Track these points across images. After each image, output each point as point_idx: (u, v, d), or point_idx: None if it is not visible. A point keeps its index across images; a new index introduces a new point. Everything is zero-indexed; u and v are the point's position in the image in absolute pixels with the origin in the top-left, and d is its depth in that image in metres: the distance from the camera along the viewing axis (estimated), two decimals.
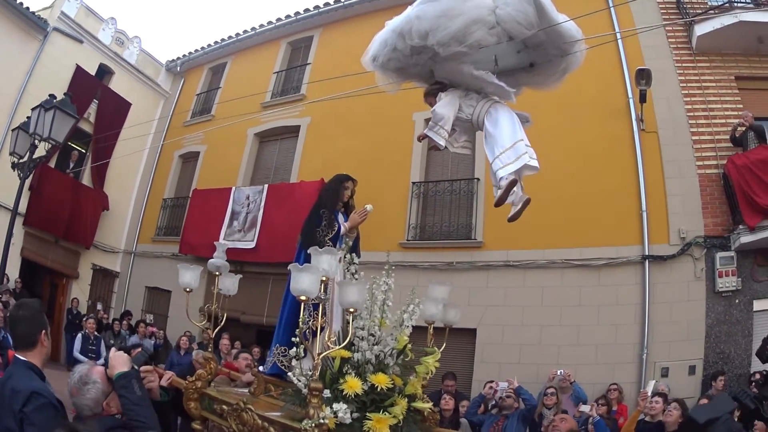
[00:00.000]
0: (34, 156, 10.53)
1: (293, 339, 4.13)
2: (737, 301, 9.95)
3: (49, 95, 10.76)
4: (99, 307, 15.88)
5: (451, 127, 5.40)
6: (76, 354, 12.10)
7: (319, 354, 3.67)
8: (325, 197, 5.57)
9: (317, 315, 3.83)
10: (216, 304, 5.17)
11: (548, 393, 8.58)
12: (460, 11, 5.00)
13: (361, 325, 4.28)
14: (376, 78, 5.95)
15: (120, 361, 3.40)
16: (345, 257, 4.76)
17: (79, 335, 12.63)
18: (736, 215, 10.19)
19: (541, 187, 11.26)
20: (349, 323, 3.97)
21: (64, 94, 11.31)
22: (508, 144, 5.00)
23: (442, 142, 5.34)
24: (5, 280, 12.11)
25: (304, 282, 3.52)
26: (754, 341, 9.55)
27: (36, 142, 10.38)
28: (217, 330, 5.15)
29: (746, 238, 9.86)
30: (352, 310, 3.76)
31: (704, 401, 8.02)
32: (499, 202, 5.09)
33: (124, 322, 14.86)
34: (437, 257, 12.25)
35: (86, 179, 17.50)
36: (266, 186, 15.28)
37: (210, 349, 5.24)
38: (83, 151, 17.65)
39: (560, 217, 11.34)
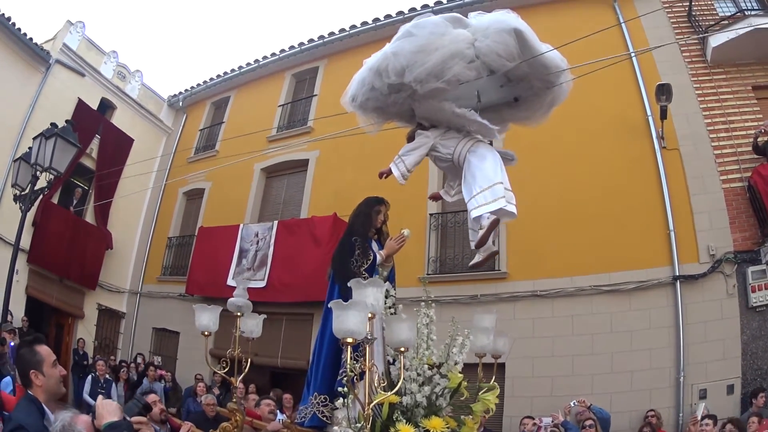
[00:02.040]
0: (36, 188, 10.19)
1: (340, 388, 3.69)
2: None
3: (51, 124, 10.40)
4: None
5: (414, 162, 5.23)
6: (86, 397, 11.78)
7: (368, 402, 3.21)
8: (356, 224, 5.16)
9: (362, 358, 3.37)
10: (239, 348, 4.74)
11: (587, 425, 8.23)
12: (437, 46, 4.88)
13: (407, 365, 3.88)
14: (357, 119, 5.81)
15: (109, 410, 3.02)
16: None
17: (89, 377, 12.32)
18: (765, 227, 9.93)
19: (565, 211, 11.15)
20: (391, 364, 3.57)
21: (66, 121, 10.94)
22: (486, 184, 4.81)
23: (397, 173, 5.14)
24: (9, 318, 11.72)
25: (350, 321, 3.05)
26: None
27: (37, 173, 10.06)
28: (241, 377, 4.70)
29: None
30: (402, 349, 3.33)
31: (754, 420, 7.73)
32: (480, 243, 4.89)
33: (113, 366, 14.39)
34: (460, 291, 11.80)
35: (89, 217, 17.14)
36: (276, 222, 14.81)
37: (235, 400, 4.81)
38: (86, 188, 17.35)
39: (586, 242, 11.09)
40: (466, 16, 5.21)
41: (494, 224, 4.74)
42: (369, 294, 3.42)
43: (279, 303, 13.15)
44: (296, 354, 13.05)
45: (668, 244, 10.57)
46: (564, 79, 5.42)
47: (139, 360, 14.82)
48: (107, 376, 12.52)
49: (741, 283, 9.91)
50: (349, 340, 3.09)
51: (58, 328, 16.12)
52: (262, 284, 13.82)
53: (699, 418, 8.06)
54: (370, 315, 3.33)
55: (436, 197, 5.95)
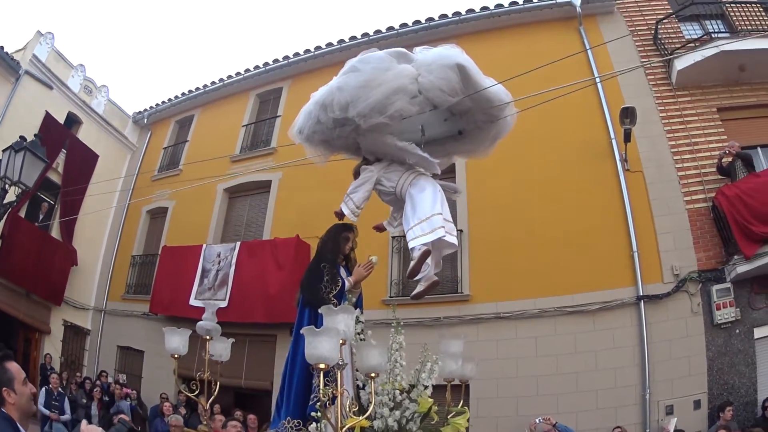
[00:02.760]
0: (5, 201, 10.03)
1: (313, 413, 3.70)
2: (737, 331, 9.82)
3: (20, 137, 10.29)
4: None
5: (362, 198, 5.23)
6: (40, 407, 11.76)
7: (341, 427, 3.22)
8: (325, 250, 5.19)
9: (333, 382, 3.39)
10: (208, 371, 4.73)
11: None
12: (381, 81, 4.94)
13: (378, 389, 3.89)
14: (305, 150, 5.86)
15: None
16: None
17: (43, 389, 12.23)
18: (730, 246, 10.12)
19: (528, 233, 11.30)
20: (360, 388, 3.58)
21: (35, 135, 10.81)
22: (424, 216, 4.80)
23: (347, 211, 5.13)
24: None
25: (323, 347, 3.07)
26: (758, 369, 9.55)
27: (6, 186, 9.91)
28: (210, 400, 4.68)
29: (743, 268, 9.77)
30: (373, 375, 3.35)
31: None
32: (412, 274, 4.88)
33: (74, 381, 14.27)
34: (423, 313, 11.67)
35: (55, 232, 16.81)
36: (238, 243, 14.73)
37: (204, 422, 4.79)
38: (52, 202, 17.05)
39: (550, 264, 11.16)
40: (423, 44, 5.29)
41: (425, 255, 4.71)
42: (340, 320, 3.45)
43: (242, 324, 12.94)
44: (260, 375, 12.99)
45: (632, 265, 10.71)
46: (508, 112, 5.49)
47: (111, 380, 14.64)
48: (60, 389, 12.47)
49: (705, 302, 10.10)
50: (322, 365, 3.12)
51: (26, 343, 15.85)
52: (223, 304, 13.64)
53: (671, 430, 8.16)
54: (341, 341, 3.34)
55: (379, 228, 5.96)
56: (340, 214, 5.20)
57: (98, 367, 16.09)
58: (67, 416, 11.87)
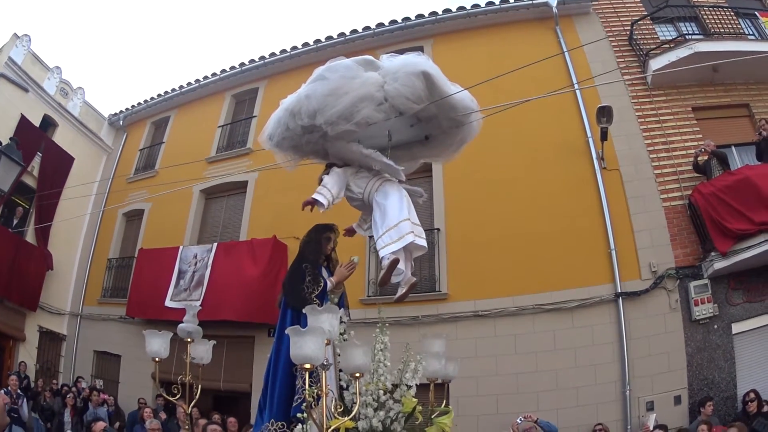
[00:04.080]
0: None
1: (299, 414, 3.67)
2: (715, 326, 9.91)
3: None
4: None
5: (338, 192, 5.21)
6: None
7: (327, 428, 3.21)
8: (307, 250, 5.20)
9: (317, 383, 3.37)
10: (189, 374, 4.69)
11: None
12: (348, 89, 5.01)
13: (362, 389, 3.88)
14: (275, 156, 5.92)
15: None
16: None
17: (1, 392, 11.77)
18: (706, 243, 10.23)
19: (506, 232, 11.31)
20: (344, 389, 3.56)
21: (10, 138, 10.62)
22: (392, 223, 4.85)
23: (322, 199, 5.03)
24: None
25: (307, 347, 3.06)
26: (737, 364, 9.64)
27: None
28: (193, 404, 4.64)
29: (720, 264, 9.87)
30: (357, 375, 3.34)
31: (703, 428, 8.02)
32: (383, 282, 4.92)
33: (48, 388, 13.99)
34: (401, 312, 11.53)
35: (30, 236, 16.54)
36: (215, 244, 14.60)
37: (187, 427, 4.76)
38: (27, 207, 16.78)
39: (527, 263, 11.20)
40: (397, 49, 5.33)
41: (393, 264, 4.73)
42: (324, 320, 3.43)
43: (220, 326, 12.74)
44: (239, 377, 12.88)
45: (610, 262, 10.77)
46: (473, 117, 5.58)
47: (84, 385, 14.43)
48: (18, 391, 12.09)
49: (683, 298, 10.20)
50: (307, 366, 3.11)
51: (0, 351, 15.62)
52: (197, 303, 13.47)
53: (651, 427, 8.21)
54: (326, 341, 3.33)
55: (349, 231, 5.97)
56: (310, 204, 5.05)
57: (74, 373, 15.91)
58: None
